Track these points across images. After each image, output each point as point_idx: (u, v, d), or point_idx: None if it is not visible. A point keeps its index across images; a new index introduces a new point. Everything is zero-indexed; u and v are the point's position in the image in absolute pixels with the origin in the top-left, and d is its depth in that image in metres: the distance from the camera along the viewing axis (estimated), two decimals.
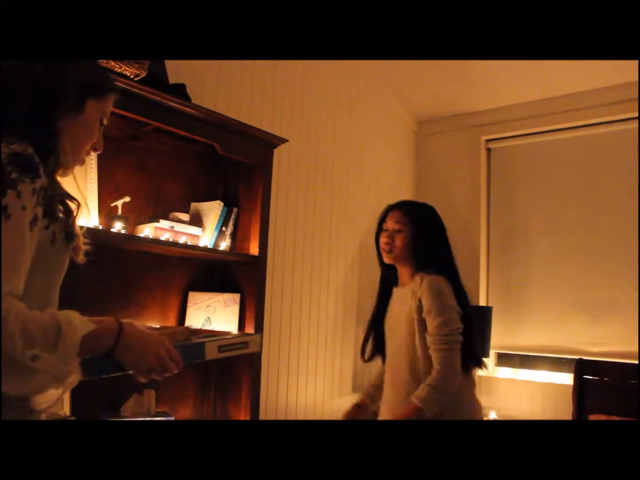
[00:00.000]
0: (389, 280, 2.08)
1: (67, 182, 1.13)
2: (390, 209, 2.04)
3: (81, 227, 1.11)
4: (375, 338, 2.08)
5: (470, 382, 1.94)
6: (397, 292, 2.04)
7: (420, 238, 1.94)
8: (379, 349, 2.08)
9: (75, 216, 1.08)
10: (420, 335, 1.86)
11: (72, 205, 1.08)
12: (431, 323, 1.83)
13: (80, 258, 1.10)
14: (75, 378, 0.92)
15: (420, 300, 1.86)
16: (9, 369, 0.84)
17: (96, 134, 1.14)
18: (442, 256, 1.96)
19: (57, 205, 1.01)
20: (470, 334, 1.87)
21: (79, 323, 0.91)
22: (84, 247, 1.10)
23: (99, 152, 1.19)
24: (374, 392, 2.10)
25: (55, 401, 0.98)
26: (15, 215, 0.88)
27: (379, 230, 2.04)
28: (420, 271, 1.93)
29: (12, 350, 0.83)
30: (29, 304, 0.90)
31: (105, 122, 1.16)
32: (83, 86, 1.08)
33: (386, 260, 2.00)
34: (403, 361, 1.91)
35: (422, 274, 1.90)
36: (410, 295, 1.91)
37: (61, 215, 1.02)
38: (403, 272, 2.01)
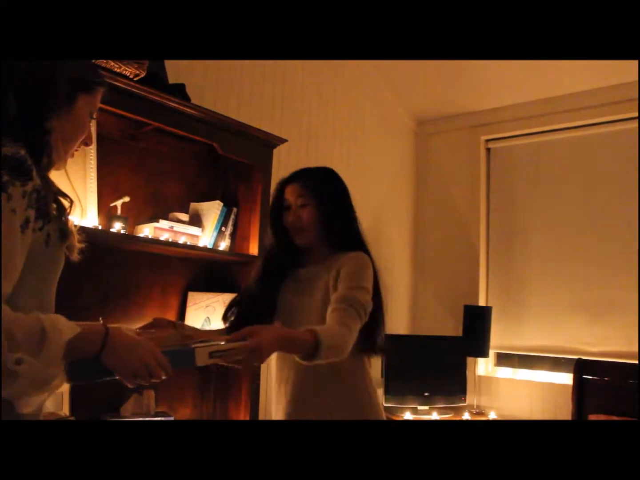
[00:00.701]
0: (286, 260, 1.74)
1: (60, 179, 1.12)
2: (286, 182, 1.73)
3: (75, 226, 1.10)
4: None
5: (368, 367, 1.70)
6: (305, 272, 1.71)
7: (330, 209, 1.68)
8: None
9: (69, 214, 1.08)
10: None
11: (66, 203, 1.07)
12: (342, 284, 1.56)
13: (75, 256, 1.10)
14: (59, 382, 0.91)
15: (338, 272, 1.59)
16: None
17: (87, 128, 1.14)
18: (355, 229, 1.72)
19: (51, 204, 1.01)
20: (378, 319, 1.64)
21: (64, 327, 0.90)
22: (78, 245, 1.10)
23: (89, 147, 1.19)
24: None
25: (41, 404, 0.98)
26: (5, 219, 0.88)
27: (277, 209, 1.73)
28: (338, 249, 1.67)
29: None
30: (23, 304, 0.90)
31: (94, 115, 1.16)
32: (73, 81, 1.08)
33: (299, 241, 1.69)
34: None
35: (343, 252, 1.64)
36: (327, 270, 1.63)
37: (54, 213, 1.02)
38: (315, 251, 1.71)
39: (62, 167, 1.13)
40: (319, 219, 1.67)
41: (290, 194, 1.70)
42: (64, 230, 1.04)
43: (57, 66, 1.06)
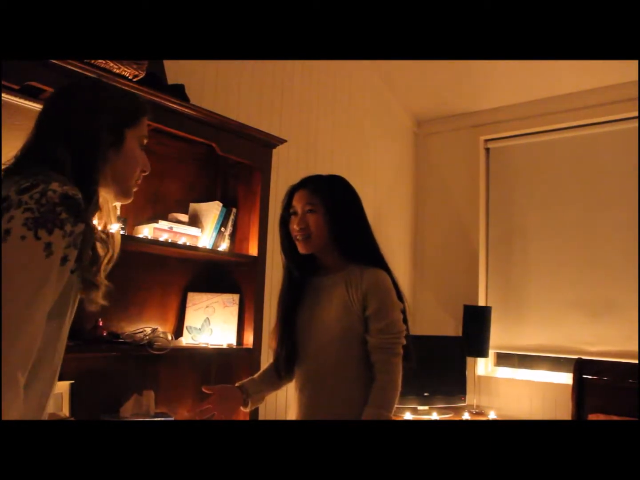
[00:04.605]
0: (301, 272, 1.71)
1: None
2: (294, 189, 1.69)
3: (107, 284, 1.10)
4: (288, 342, 1.68)
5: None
6: (319, 282, 1.69)
7: (339, 216, 1.63)
8: (291, 352, 1.69)
9: (101, 265, 1.09)
10: (359, 335, 1.59)
11: (100, 253, 1.09)
12: (376, 323, 1.57)
13: (92, 307, 1.09)
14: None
15: (365, 297, 1.58)
16: None
17: (140, 158, 1.15)
18: (368, 239, 1.68)
19: (87, 252, 1.03)
20: (407, 334, 1.64)
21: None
22: (100, 301, 1.09)
23: (147, 174, 1.18)
24: (257, 387, 1.76)
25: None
26: (56, 255, 0.92)
27: (286, 216, 1.70)
28: (352, 260, 1.64)
29: None
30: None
31: (145, 142, 1.16)
32: (116, 125, 1.09)
33: (302, 250, 1.65)
34: (332, 364, 1.59)
35: (360, 266, 1.62)
36: (344, 285, 1.61)
37: (87, 262, 1.04)
38: (326, 259, 1.68)
39: (128, 200, 1.17)
40: (328, 225, 1.63)
41: (297, 201, 1.67)
42: (87, 281, 1.05)
43: (98, 112, 1.06)
